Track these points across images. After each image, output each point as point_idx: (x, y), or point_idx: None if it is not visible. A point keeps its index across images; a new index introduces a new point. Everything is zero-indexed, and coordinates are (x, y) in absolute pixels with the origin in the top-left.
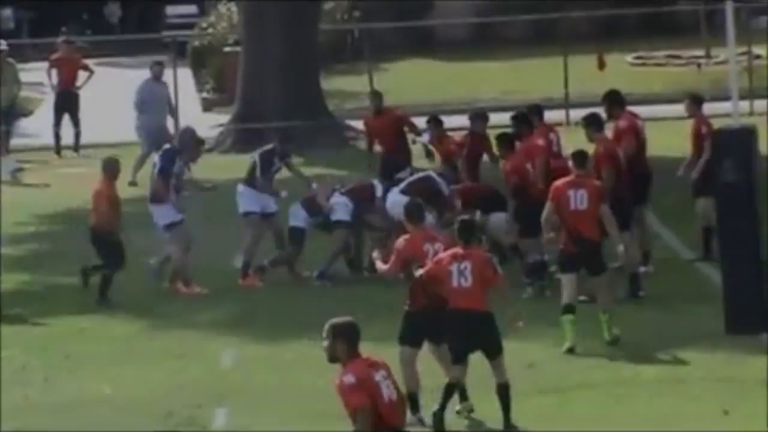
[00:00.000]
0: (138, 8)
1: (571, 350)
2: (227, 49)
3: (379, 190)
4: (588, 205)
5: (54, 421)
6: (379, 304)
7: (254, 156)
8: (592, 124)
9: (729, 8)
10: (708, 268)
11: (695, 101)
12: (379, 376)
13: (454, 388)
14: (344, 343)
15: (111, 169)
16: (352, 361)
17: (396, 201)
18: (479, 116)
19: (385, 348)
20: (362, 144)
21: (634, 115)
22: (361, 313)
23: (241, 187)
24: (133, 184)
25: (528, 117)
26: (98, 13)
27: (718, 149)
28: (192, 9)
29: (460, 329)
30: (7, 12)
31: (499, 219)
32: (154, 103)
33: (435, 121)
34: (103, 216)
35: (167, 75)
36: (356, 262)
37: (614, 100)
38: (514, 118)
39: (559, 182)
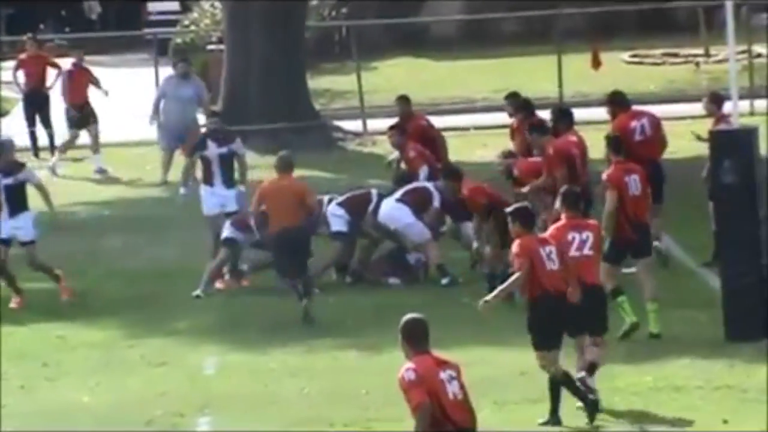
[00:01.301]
0: (118, 4)
1: (637, 326)
2: (210, 47)
3: (374, 200)
4: (642, 190)
5: (32, 428)
6: (367, 309)
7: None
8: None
9: (729, 5)
10: (707, 273)
11: (715, 100)
12: (445, 374)
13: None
14: (407, 340)
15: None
16: (417, 358)
17: (392, 209)
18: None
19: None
20: (350, 145)
21: (635, 115)
22: (349, 319)
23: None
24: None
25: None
26: (77, 9)
27: (717, 150)
28: (174, 6)
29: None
30: None
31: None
32: (175, 101)
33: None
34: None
35: (149, 74)
36: (343, 269)
37: (617, 101)
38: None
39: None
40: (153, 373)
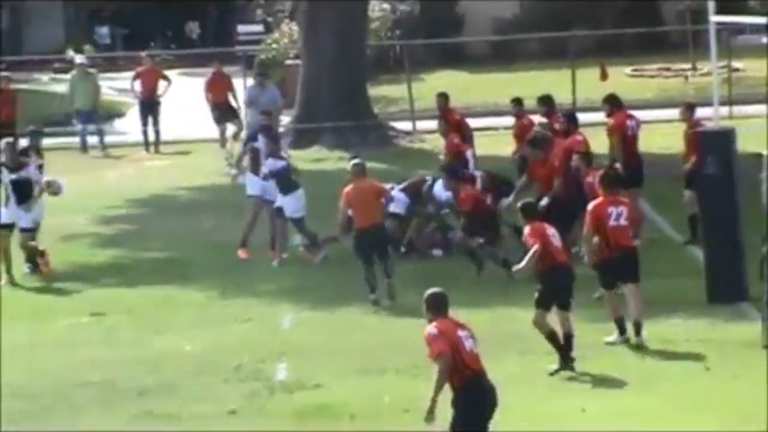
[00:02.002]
0: (214, 26)
1: None
2: (288, 61)
3: (429, 181)
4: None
5: (140, 373)
6: (415, 275)
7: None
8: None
9: (712, 28)
10: (693, 249)
11: (688, 108)
12: (462, 332)
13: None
14: (429, 309)
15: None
16: (438, 321)
17: (442, 188)
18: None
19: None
20: (402, 142)
21: (629, 116)
22: (401, 283)
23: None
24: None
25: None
26: (180, 30)
27: (702, 147)
28: (259, 28)
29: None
30: (104, 29)
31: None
32: (256, 105)
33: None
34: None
35: (238, 84)
36: (398, 242)
37: (612, 102)
38: (564, 115)
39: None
40: (240, 327)
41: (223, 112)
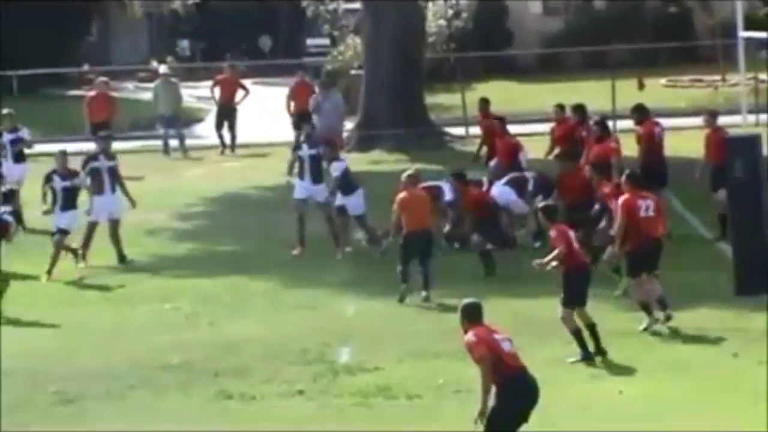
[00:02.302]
0: (285, 40)
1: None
2: (353, 72)
3: (486, 184)
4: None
5: (215, 356)
6: (468, 267)
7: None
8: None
9: (740, 43)
10: (723, 245)
11: (711, 115)
12: (497, 336)
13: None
14: (464, 318)
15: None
16: (474, 329)
17: (501, 190)
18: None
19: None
20: (455, 146)
21: (655, 123)
22: (454, 275)
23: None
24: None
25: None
26: (254, 43)
27: (730, 152)
28: (326, 41)
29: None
30: (185, 43)
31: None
32: (321, 112)
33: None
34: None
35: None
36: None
37: (640, 112)
38: (596, 123)
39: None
40: (307, 314)
41: (303, 119)
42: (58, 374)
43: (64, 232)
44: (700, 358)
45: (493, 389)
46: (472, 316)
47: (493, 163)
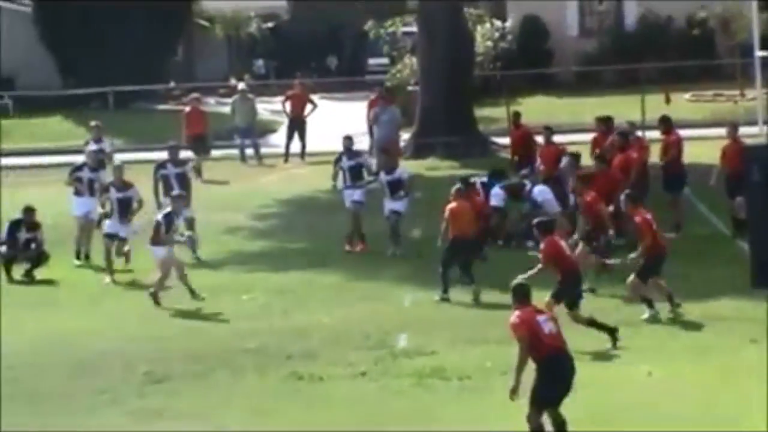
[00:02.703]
0: (349, 59)
1: None
2: (410, 87)
3: (528, 186)
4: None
5: (287, 341)
6: (510, 262)
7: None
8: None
9: (757, 62)
10: (740, 243)
11: (732, 127)
12: (541, 318)
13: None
14: (514, 297)
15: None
16: (520, 308)
17: (541, 190)
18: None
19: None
20: (501, 153)
21: (677, 134)
22: (498, 270)
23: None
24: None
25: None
26: (322, 62)
27: (748, 159)
28: (386, 60)
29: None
30: (260, 62)
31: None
32: (380, 123)
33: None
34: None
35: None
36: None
37: (666, 123)
38: (619, 134)
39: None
40: (368, 304)
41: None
42: (148, 357)
43: (122, 240)
44: (721, 343)
45: (533, 366)
46: (518, 296)
47: (525, 170)
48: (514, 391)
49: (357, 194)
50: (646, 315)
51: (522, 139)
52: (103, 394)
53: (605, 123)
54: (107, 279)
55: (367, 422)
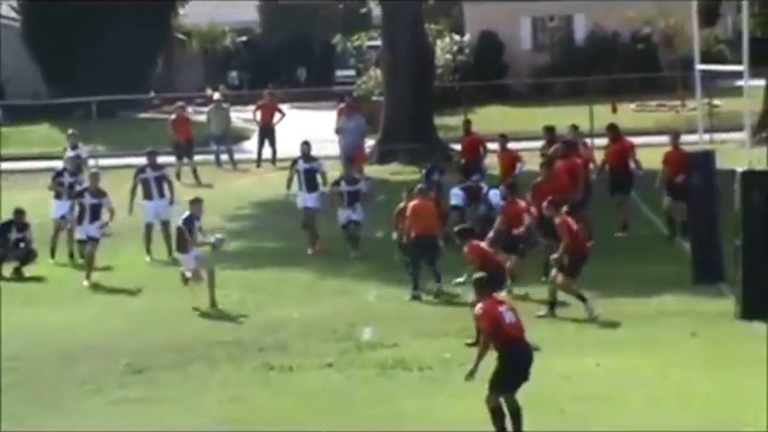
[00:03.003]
0: (317, 71)
1: None
2: (374, 97)
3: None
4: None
5: (260, 334)
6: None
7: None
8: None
9: (697, 74)
10: (682, 243)
11: (675, 136)
12: (502, 308)
13: None
14: (476, 290)
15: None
16: (483, 300)
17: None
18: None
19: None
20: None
21: (624, 141)
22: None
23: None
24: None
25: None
26: (292, 74)
27: (690, 165)
28: (352, 72)
29: None
30: (234, 74)
31: None
32: (345, 131)
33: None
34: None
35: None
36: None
37: (613, 130)
38: (563, 142)
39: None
40: (336, 300)
41: None
42: (130, 349)
43: (95, 240)
44: (664, 336)
45: (494, 353)
46: (480, 289)
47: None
48: (471, 374)
49: (310, 200)
50: (543, 312)
51: (471, 146)
52: (87, 384)
53: (550, 132)
54: (85, 282)
55: (334, 409)
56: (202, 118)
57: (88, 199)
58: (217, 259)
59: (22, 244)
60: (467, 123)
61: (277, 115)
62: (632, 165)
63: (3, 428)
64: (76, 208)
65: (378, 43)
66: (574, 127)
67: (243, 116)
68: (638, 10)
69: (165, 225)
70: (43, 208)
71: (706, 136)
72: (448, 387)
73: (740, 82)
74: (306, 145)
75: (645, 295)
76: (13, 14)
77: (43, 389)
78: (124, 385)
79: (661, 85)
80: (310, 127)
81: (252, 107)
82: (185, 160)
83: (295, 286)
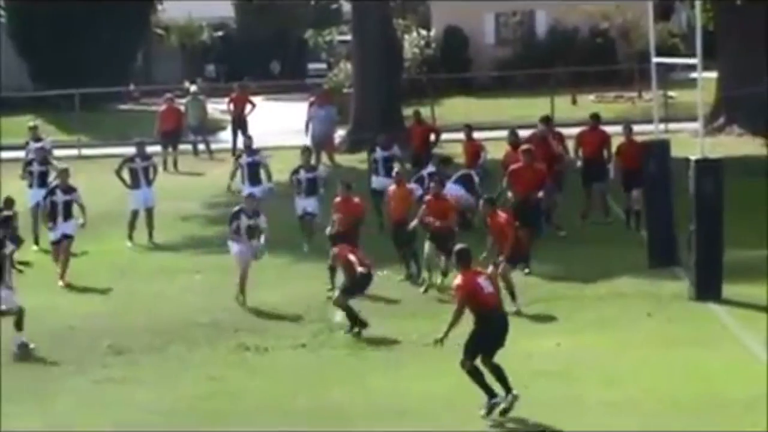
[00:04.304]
0: (291, 64)
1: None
2: (345, 90)
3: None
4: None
5: (236, 316)
6: None
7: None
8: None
9: (653, 67)
10: (641, 231)
11: (627, 127)
12: (481, 278)
13: None
14: (457, 261)
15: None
16: (463, 272)
17: (450, 188)
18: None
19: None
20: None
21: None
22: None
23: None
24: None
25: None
26: (266, 67)
27: (646, 154)
28: (324, 66)
29: None
30: (211, 67)
31: None
32: (317, 120)
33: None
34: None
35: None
36: None
37: (595, 119)
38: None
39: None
40: (309, 283)
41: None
42: (112, 331)
43: (70, 237)
44: (621, 316)
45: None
46: (461, 260)
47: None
48: (440, 341)
49: (256, 190)
50: (338, 318)
51: (422, 135)
52: (70, 364)
53: (548, 122)
54: (60, 282)
55: (307, 387)
56: (180, 109)
57: (60, 197)
58: (194, 244)
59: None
60: (417, 114)
61: (248, 107)
62: (605, 155)
63: None
64: (48, 206)
65: (348, 37)
66: (545, 119)
67: (219, 107)
68: (597, 6)
69: (149, 211)
70: (24, 197)
71: (662, 126)
72: (415, 365)
73: (694, 74)
74: (249, 138)
75: (603, 278)
76: None
77: (27, 370)
78: (106, 365)
79: (619, 77)
80: (284, 118)
81: (224, 99)
82: (170, 150)
83: (270, 270)
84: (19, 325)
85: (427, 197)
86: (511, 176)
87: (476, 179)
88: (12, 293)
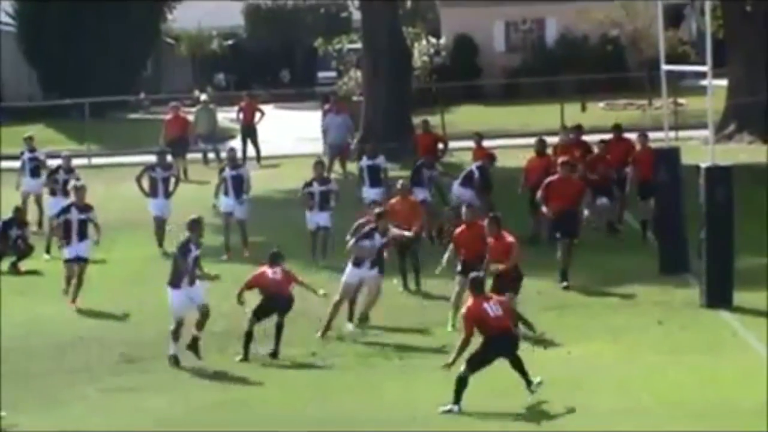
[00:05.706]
0: (300, 73)
1: None
2: (355, 98)
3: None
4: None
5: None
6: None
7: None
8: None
9: (663, 75)
10: (650, 235)
11: (643, 135)
12: (487, 304)
13: None
14: (470, 289)
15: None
16: (473, 298)
17: (456, 188)
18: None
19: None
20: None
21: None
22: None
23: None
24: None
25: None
26: (276, 75)
27: (657, 161)
28: (334, 74)
29: None
30: (221, 76)
31: None
32: (332, 127)
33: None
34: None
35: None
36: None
37: (619, 129)
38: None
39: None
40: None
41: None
42: (123, 339)
43: (85, 261)
44: (632, 324)
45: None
46: (473, 288)
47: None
48: (448, 366)
49: (238, 210)
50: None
51: (430, 144)
52: (82, 372)
53: (578, 131)
54: (71, 305)
55: (317, 396)
56: (190, 118)
57: (74, 215)
58: (205, 252)
59: (19, 241)
60: (425, 123)
61: (257, 115)
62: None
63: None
64: (62, 225)
65: (358, 46)
66: (565, 128)
67: (229, 116)
68: (607, 14)
69: (164, 222)
70: (34, 204)
71: (672, 134)
72: (425, 374)
73: (704, 82)
74: (232, 150)
75: (614, 285)
76: (9, 20)
77: (38, 378)
78: (116, 373)
79: (629, 84)
80: (294, 126)
81: (234, 108)
82: (178, 158)
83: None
84: None
85: (489, 240)
86: (547, 189)
87: (476, 174)
88: None
